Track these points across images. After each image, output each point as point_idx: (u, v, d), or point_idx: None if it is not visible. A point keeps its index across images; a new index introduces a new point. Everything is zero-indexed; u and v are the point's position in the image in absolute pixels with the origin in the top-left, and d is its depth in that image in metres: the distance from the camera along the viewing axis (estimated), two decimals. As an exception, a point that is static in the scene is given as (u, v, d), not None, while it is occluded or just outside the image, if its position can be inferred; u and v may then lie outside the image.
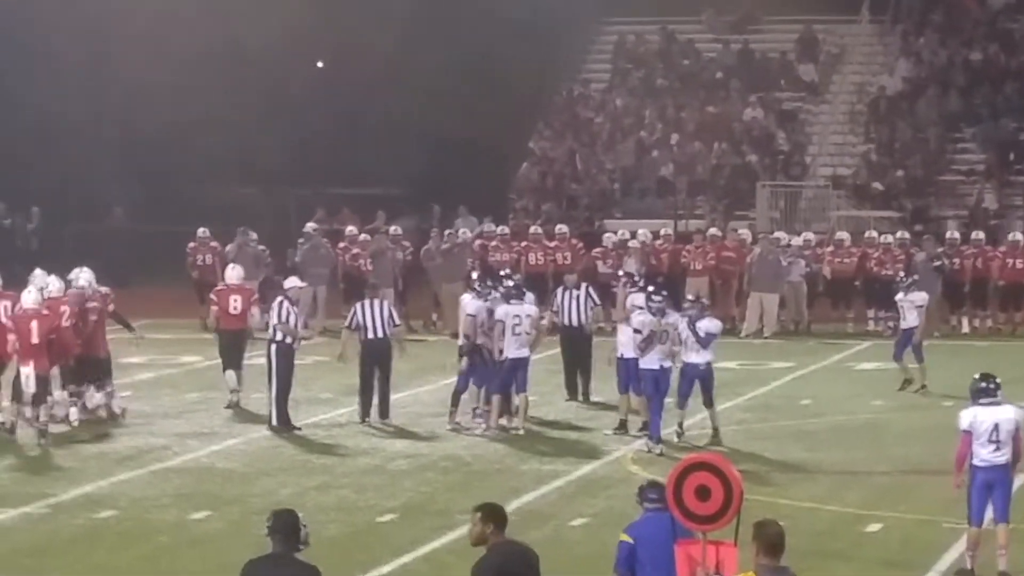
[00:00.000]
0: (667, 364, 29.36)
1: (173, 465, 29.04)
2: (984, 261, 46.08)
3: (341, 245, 46.99)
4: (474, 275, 35.07)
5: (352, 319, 32.35)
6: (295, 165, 57.62)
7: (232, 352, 34.25)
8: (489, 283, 32.61)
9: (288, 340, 31.72)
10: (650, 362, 29.30)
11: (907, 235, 48.42)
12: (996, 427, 20.92)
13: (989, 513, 21.43)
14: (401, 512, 24.17)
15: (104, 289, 33.45)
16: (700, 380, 29.81)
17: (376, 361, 32.63)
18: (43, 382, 30.21)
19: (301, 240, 46.97)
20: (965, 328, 45.78)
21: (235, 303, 34.38)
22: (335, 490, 26.87)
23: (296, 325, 31.99)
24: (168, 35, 55.64)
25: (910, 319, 35.36)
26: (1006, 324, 45.78)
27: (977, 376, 21.46)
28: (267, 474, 28.16)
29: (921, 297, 35.96)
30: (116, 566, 22.75)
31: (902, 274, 39.43)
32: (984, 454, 20.96)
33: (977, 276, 46.08)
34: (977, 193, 54.77)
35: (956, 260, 45.89)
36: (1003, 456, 20.96)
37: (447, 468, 28.46)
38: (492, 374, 31.31)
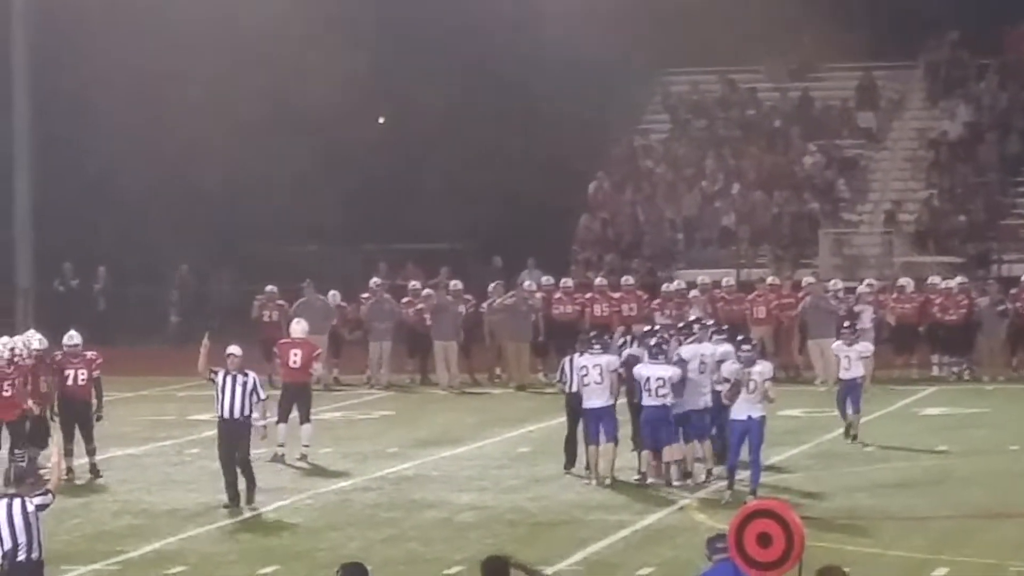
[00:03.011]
0: (755, 414, 29.26)
1: (241, 521, 29.04)
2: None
3: (405, 300, 47.15)
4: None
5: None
6: (359, 221, 57.66)
7: (296, 405, 34.20)
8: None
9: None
10: (738, 413, 29.30)
11: (969, 281, 48.48)
12: None
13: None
14: (468, 564, 23.98)
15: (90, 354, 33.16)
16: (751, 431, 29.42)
17: (234, 444, 29.79)
18: None
19: (365, 295, 47.17)
20: (1030, 371, 45.63)
21: (295, 357, 34.47)
22: (402, 543, 26.80)
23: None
24: (228, 93, 55.81)
25: (853, 369, 34.75)
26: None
27: None
28: (334, 528, 28.08)
29: (866, 347, 35.74)
30: None
31: (847, 323, 38.14)
32: None
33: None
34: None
35: (1020, 303, 45.87)
36: None
37: (513, 520, 28.35)
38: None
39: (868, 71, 61.69)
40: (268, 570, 25.29)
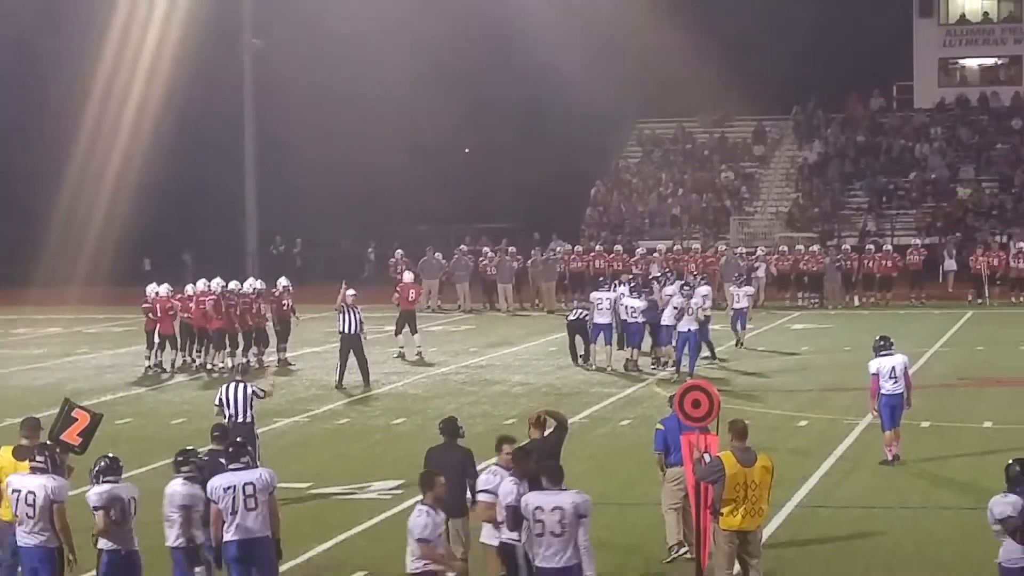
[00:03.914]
0: (693, 328, 29.18)
1: (383, 392, 29.12)
2: (867, 262, 45.87)
3: (482, 260, 47.23)
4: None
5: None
6: (453, 209, 57.77)
7: (408, 323, 33.95)
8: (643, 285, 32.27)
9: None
10: (682, 327, 29.26)
11: (821, 247, 48.43)
12: (893, 369, 20.54)
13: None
14: (518, 418, 24.16)
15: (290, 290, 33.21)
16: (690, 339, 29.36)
17: (349, 349, 29.07)
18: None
19: (455, 255, 47.17)
20: (856, 303, 45.43)
21: (412, 294, 34.41)
22: (479, 405, 26.88)
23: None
24: (376, 120, 55.74)
25: (742, 302, 34.23)
26: (881, 300, 45.34)
27: (878, 337, 21.02)
28: (438, 396, 28.17)
29: (748, 289, 35.27)
30: (351, 454, 22.76)
31: (737, 273, 38.02)
32: (888, 387, 20.56)
33: (863, 271, 45.86)
34: (863, 221, 54.62)
35: (849, 261, 45.81)
36: (899, 387, 20.57)
37: (546, 392, 28.39)
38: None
39: (760, 121, 61.59)
40: (399, 421, 25.41)
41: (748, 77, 57.22)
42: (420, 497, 12.51)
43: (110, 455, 13.48)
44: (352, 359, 29.27)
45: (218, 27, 52.99)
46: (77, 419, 14.47)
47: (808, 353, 33.82)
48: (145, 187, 52.85)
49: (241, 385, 18.51)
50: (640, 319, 30.54)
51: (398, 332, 34.23)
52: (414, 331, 34.08)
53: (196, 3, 51.76)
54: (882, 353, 20.72)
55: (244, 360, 29.76)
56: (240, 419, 18.19)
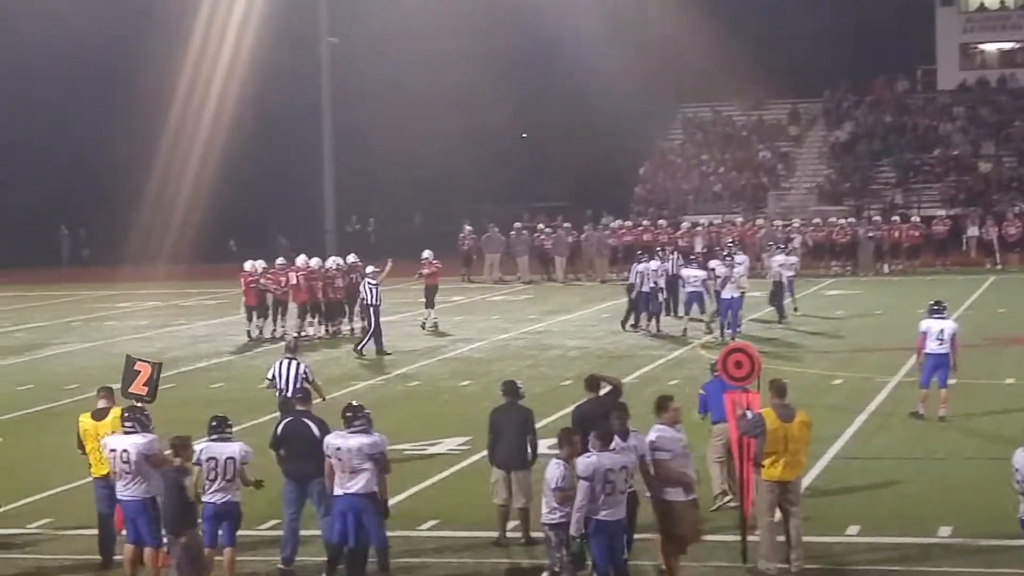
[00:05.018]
0: (736, 295, 29.05)
1: (451, 356, 29.16)
2: (895, 232, 45.61)
3: (539, 235, 47.17)
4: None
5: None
6: (512, 189, 57.84)
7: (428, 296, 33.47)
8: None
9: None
10: (725, 294, 29.17)
11: (852, 219, 48.11)
12: (941, 331, 20.29)
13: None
14: (574, 380, 24.02)
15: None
16: (732, 305, 29.22)
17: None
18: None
19: (512, 232, 47.14)
20: (886, 270, 45.15)
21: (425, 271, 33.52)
22: (537, 368, 26.86)
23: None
24: (446, 114, 55.79)
25: (789, 272, 33.15)
26: (908, 268, 45.04)
27: (932, 301, 20.69)
28: (501, 360, 28.18)
29: (793, 259, 34.61)
30: (423, 413, 22.68)
31: (781, 244, 36.68)
32: (932, 347, 20.33)
33: (892, 241, 45.61)
34: (891, 194, 54.20)
35: (879, 232, 45.56)
36: (944, 349, 20.29)
37: (599, 355, 28.33)
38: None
39: (793, 104, 61.12)
40: (465, 383, 25.39)
41: (781, 63, 56.90)
42: (485, 453, 12.55)
43: (218, 415, 13.66)
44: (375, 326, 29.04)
45: (296, 25, 53.24)
46: (140, 371, 14.75)
47: (842, 317, 33.65)
48: (230, 174, 53.20)
49: (293, 362, 18.14)
50: (699, 288, 30.43)
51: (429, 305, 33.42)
52: (430, 305, 33.30)
53: (275, 3, 51.92)
54: (934, 315, 20.46)
55: (293, 336, 29.24)
56: (290, 394, 17.74)
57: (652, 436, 13.20)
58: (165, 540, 12.97)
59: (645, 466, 12.98)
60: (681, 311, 31.80)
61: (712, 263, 30.75)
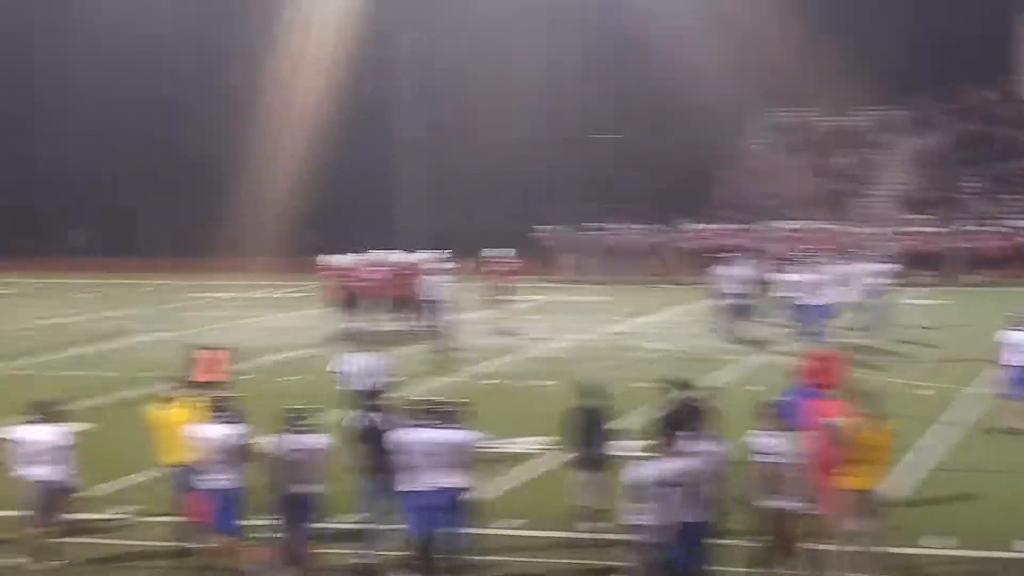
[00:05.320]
0: (822, 301, 28.82)
1: (535, 355, 29.11)
2: (981, 242, 45.25)
3: (619, 236, 47.18)
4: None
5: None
6: (590, 187, 57.85)
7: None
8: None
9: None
10: (813, 301, 28.92)
11: (937, 228, 47.60)
12: (1018, 344, 20.17)
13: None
14: (653, 383, 23.52)
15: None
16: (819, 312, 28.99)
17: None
18: None
19: (596, 232, 47.15)
20: (971, 280, 44.72)
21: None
22: (611, 371, 26.49)
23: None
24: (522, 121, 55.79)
25: (879, 280, 31.88)
26: (994, 278, 44.54)
27: (1011, 312, 20.69)
28: (583, 361, 27.93)
29: (884, 267, 33.33)
30: (502, 410, 22.42)
31: (858, 250, 36.27)
32: (1013, 360, 20.12)
33: (978, 251, 45.41)
34: (977, 204, 53.43)
35: (965, 241, 45.23)
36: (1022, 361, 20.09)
37: (679, 357, 28.13)
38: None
39: (878, 111, 60.51)
40: (550, 383, 25.11)
41: (865, 70, 56.35)
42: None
43: (296, 407, 13.70)
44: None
45: (379, 23, 53.48)
46: (211, 358, 14.99)
47: (927, 326, 33.27)
48: (313, 169, 53.58)
49: (371, 356, 18.12)
50: (786, 293, 30.11)
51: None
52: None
53: (358, 2, 52.26)
54: (1016, 327, 20.29)
55: (374, 331, 29.47)
56: (370, 388, 17.79)
57: (756, 441, 13.10)
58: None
59: (750, 471, 12.86)
60: (766, 317, 31.58)
61: (798, 269, 30.48)
